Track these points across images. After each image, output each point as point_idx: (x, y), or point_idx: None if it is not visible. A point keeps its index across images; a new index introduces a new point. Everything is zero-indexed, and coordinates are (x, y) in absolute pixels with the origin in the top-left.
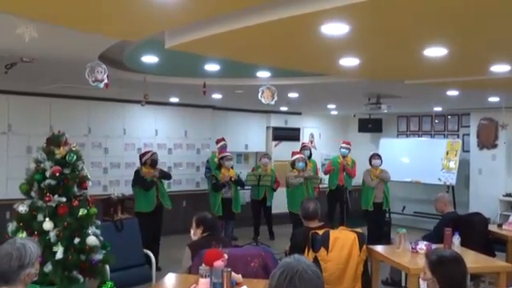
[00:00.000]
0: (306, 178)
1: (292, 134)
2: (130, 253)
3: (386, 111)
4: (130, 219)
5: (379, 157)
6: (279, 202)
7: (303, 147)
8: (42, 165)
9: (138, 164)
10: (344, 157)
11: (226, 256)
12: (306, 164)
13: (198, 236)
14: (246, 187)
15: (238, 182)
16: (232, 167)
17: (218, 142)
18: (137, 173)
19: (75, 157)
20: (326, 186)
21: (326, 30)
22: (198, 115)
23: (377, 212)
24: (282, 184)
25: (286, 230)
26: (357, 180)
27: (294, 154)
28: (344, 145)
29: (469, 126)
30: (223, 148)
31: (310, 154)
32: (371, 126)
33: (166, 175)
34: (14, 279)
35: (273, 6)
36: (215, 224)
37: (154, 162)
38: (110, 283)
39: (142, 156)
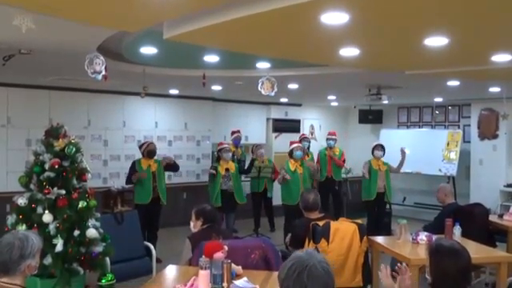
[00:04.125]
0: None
1: (292, 126)
2: (130, 245)
3: (386, 102)
4: (129, 211)
5: (382, 148)
6: (279, 194)
7: (303, 138)
8: (40, 157)
9: (137, 156)
10: (331, 148)
11: (226, 248)
12: (306, 154)
13: (198, 228)
14: (246, 177)
15: (240, 170)
16: (232, 159)
17: (232, 133)
18: (132, 164)
19: (74, 149)
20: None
21: (326, 19)
22: (198, 107)
23: (378, 202)
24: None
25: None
26: (356, 171)
27: (291, 143)
28: (329, 136)
29: (469, 117)
30: (236, 140)
31: (309, 146)
32: (372, 117)
33: (174, 166)
34: (14, 269)
35: None
36: (215, 216)
37: (150, 153)
38: (110, 275)
39: (140, 148)
